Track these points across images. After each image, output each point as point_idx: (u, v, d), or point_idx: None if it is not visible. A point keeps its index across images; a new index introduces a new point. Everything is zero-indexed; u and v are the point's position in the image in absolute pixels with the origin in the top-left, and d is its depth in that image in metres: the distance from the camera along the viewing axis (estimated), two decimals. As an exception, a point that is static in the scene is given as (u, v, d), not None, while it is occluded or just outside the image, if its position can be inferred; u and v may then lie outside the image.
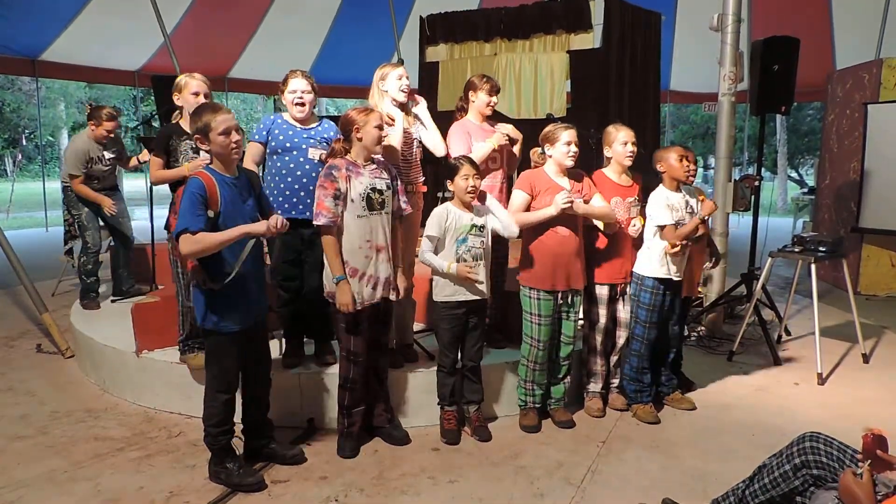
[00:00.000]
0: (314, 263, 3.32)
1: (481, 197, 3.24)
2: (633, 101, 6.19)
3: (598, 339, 3.58)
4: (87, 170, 4.88)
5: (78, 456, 3.10)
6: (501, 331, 3.82)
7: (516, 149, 3.64)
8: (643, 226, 3.54)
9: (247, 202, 2.75)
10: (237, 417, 2.90)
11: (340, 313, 2.97)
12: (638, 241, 3.58)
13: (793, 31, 5.16)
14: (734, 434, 3.38)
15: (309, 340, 3.58)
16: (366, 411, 3.22)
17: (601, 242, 3.51)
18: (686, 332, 4.10)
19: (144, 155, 4.81)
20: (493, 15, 6.66)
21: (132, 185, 16.62)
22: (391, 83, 3.36)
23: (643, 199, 3.57)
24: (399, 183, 3.14)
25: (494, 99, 3.59)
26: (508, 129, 3.54)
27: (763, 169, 5.66)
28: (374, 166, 3.04)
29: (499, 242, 3.65)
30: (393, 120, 3.27)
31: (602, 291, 3.53)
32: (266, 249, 2.98)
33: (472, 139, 3.49)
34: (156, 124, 5.55)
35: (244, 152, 3.03)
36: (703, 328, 5.12)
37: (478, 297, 3.21)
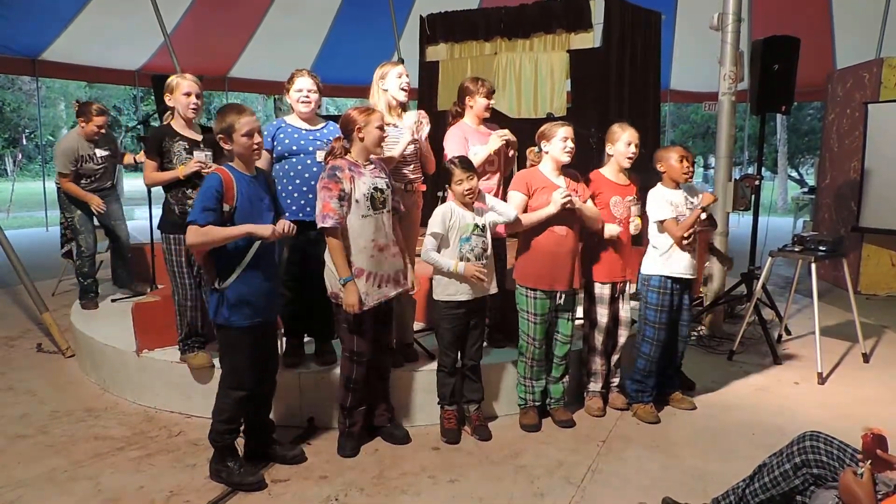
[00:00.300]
0: (318, 264, 3.32)
1: (479, 196, 3.24)
2: (634, 101, 6.19)
3: (599, 338, 3.58)
4: (77, 168, 4.80)
5: (78, 455, 3.10)
6: (502, 330, 3.83)
7: (511, 153, 3.64)
8: (643, 224, 3.54)
9: (263, 200, 2.79)
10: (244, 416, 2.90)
11: (344, 313, 2.97)
12: (638, 241, 3.58)
13: (793, 31, 5.15)
14: (734, 433, 3.39)
15: (308, 340, 3.58)
16: (367, 411, 3.23)
17: (601, 242, 3.50)
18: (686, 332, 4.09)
19: (142, 155, 4.78)
20: (494, 14, 6.67)
21: (132, 184, 16.64)
22: (391, 82, 3.36)
23: (641, 199, 3.57)
24: (392, 181, 3.16)
25: (492, 101, 3.60)
26: (504, 132, 3.52)
27: (763, 168, 5.66)
28: (373, 166, 3.04)
29: (498, 242, 3.65)
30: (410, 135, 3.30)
31: (603, 291, 3.53)
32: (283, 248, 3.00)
33: (470, 143, 3.49)
34: (155, 123, 5.53)
35: None
36: (703, 328, 5.12)
37: (478, 297, 3.21)
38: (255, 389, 2.84)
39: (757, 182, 5.14)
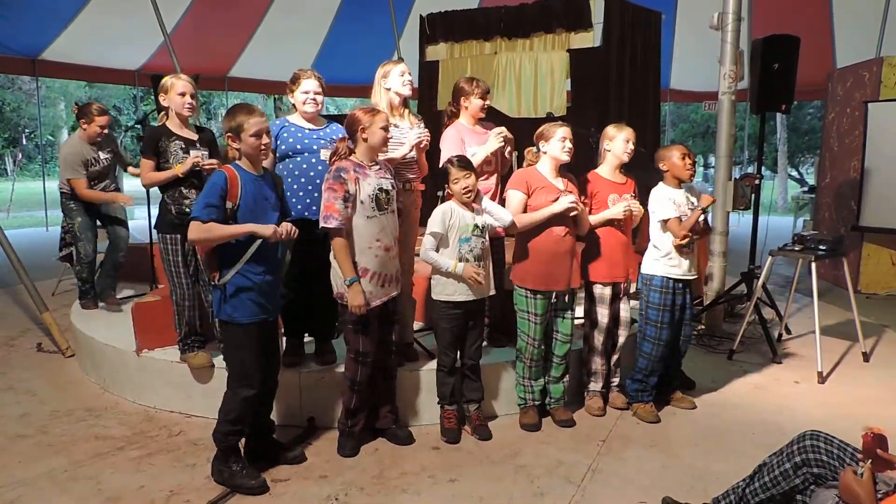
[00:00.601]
0: (320, 263, 3.32)
1: (477, 197, 3.25)
2: (634, 100, 6.19)
3: (599, 338, 3.58)
4: (86, 172, 4.73)
5: (78, 455, 3.10)
6: (502, 330, 3.82)
7: (507, 150, 3.64)
8: (643, 223, 3.54)
9: (268, 199, 2.80)
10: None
11: (349, 314, 2.97)
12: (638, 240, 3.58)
13: (793, 30, 5.15)
14: (734, 433, 3.38)
15: (308, 340, 3.58)
16: (371, 411, 3.23)
17: (602, 242, 3.50)
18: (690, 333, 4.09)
19: (135, 170, 4.64)
20: (494, 14, 6.66)
21: (130, 184, 16.62)
22: (394, 80, 3.35)
23: (641, 198, 3.57)
24: (406, 183, 3.18)
25: (487, 101, 3.60)
26: (502, 130, 3.52)
27: (763, 167, 5.66)
28: (378, 166, 3.05)
29: (496, 242, 3.65)
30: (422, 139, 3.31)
31: (603, 291, 3.53)
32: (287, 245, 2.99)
33: (466, 143, 3.49)
34: (154, 123, 5.52)
35: None
36: (703, 327, 5.12)
37: (477, 298, 3.22)
38: (262, 387, 2.84)
39: (757, 181, 5.14)
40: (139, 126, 4.77)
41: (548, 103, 6.17)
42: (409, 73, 3.41)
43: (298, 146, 3.31)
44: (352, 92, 13.09)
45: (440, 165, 3.46)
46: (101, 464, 3.02)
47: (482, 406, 3.39)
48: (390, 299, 3.10)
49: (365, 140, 2.96)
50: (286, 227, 2.72)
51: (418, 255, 3.28)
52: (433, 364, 3.40)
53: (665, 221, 3.45)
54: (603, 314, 3.54)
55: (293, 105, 3.43)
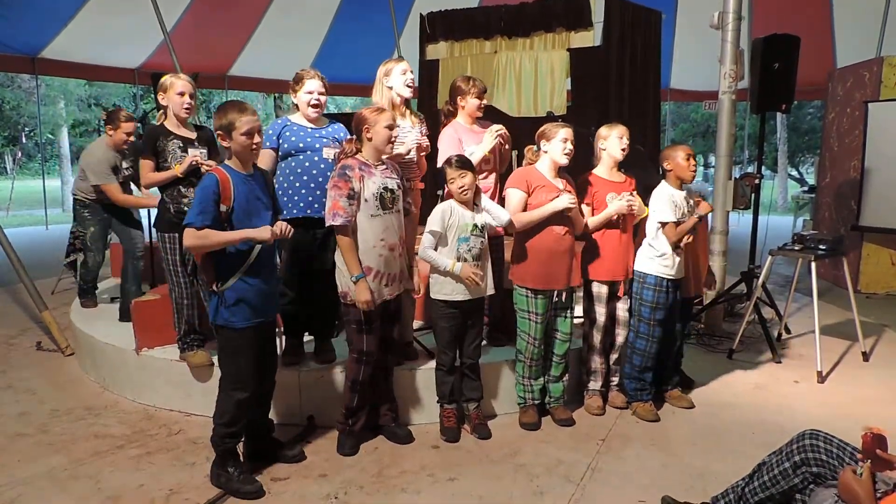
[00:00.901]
0: (324, 262, 3.33)
1: (476, 193, 3.25)
2: (634, 100, 6.19)
3: (598, 337, 3.58)
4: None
5: (78, 454, 3.10)
6: (501, 329, 3.82)
7: (505, 147, 3.64)
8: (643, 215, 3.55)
9: (261, 199, 2.77)
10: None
11: (353, 313, 2.96)
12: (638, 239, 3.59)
13: (793, 29, 5.15)
14: (734, 432, 3.39)
15: (308, 339, 3.58)
16: (370, 410, 3.23)
17: (602, 241, 3.50)
18: (686, 330, 4.09)
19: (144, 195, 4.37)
20: (494, 13, 6.66)
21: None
22: (395, 79, 3.35)
23: (640, 196, 3.57)
24: (405, 182, 3.17)
25: (484, 101, 3.60)
26: (499, 128, 3.52)
27: (763, 167, 5.66)
28: (385, 166, 3.05)
29: (496, 241, 3.65)
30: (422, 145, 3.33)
31: (602, 289, 3.53)
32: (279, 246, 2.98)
33: (464, 143, 3.49)
34: (154, 121, 5.51)
35: None
36: (702, 326, 5.12)
37: (475, 297, 3.22)
38: (256, 390, 2.84)
39: (757, 181, 5.14)
40: (139, 124, 4.74)
41: (548, 102, 6.16)
42: (412, 72, 3.41)
43: (301, 144, 3.31)
44: (352, 91, 13.11)
45: (438, 166, 3.46)
46: (100, 462, 3.02)
47: (481, 405, 3.39)
48: (393, 298, 3.10)
49: (370, 139, 2.96)
50: (281, 226, 2.69)
51: (419, 252, 3.28)
52: (433, 363, 3.40)
53: (663, 224, 3.45)
54: (601, 313, 3.55)
55: (293, 104, 3.43)
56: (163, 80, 3.44)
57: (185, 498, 2.72)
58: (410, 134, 3.41)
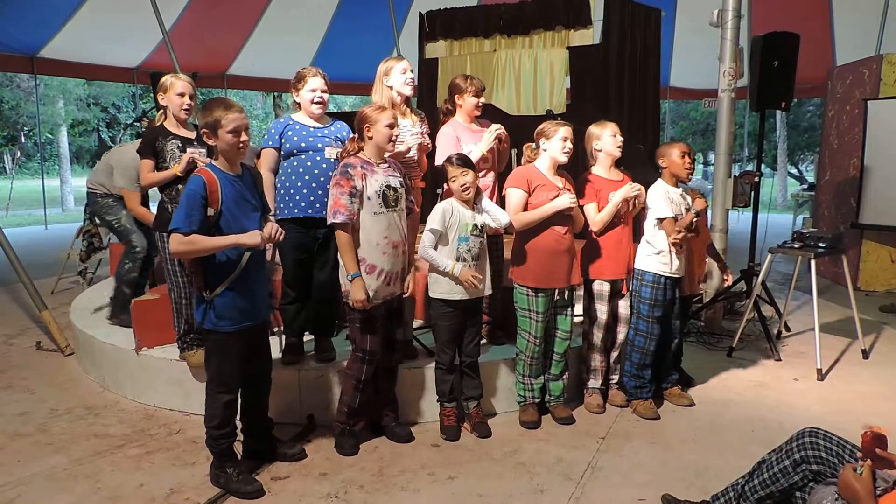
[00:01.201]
0: (325, 261, 3.32)
1: (476, 194, 3.25)
2: (633, 98, 6.19)
3: (598, 335, 3.58)
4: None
5: (78, 453, 3.10)
6: (502, 327, 3.82)
7: (504, 145, 3.64)
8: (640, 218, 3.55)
9: (249, 200, 2.74)
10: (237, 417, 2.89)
11: (356, 312, 2.96)
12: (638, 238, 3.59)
13: (793, 27, 5.15)
14: (734, 430, 3.39)
15: (308, 339, 3.58)
16: (372, 409, 3.23)
17: (603, 239, 3.50)
18: (686, 329, 4.09)
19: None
20: (493, 11, 6.65)
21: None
22: (395, 78, 3.35)
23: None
24: (408, 181, 3.17)
25: (482, 99, 3.59)
26: (498, 127, 3.51)
27: (763, 165, 5.65)
28: (387, 164, 3.04)
29: (496, 241, 3.65)
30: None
31: (602, 288, 3.53)
32: (270, 246, 2.96)
33: (462, 142, 3.48)
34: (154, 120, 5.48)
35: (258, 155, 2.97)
36: (702, 324, 5.12)
37: (474, 296, 3.22)
38: (245, 390, 2.82)
39: (756, 179, 5.13)
40: (138, 124, 4.71)
41: (547, 101, 6.16)
42: (412, 71, 3.40)
43: (303, 144, 3.30)
44: (351, 89, 13.09)
45: (436, 164, 3.46)
46: (100, 462, 3.02)
47: (481, 403, 3.39)
48: (395, 297, 3.09)
49: (370, 137, 2.96)
50: (271, 229, 2.66)
51: (419, 251, 3.28)
52: (432, 361, 3.40)
53: (661, 220, 3.45)
54: (602, 311, 3.54)
55: (294, 103, 3.42)
56: (163, 80, 3.43)
57: (185, 497, 2.72)
58: (410, 132, 3.40)
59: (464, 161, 3.17)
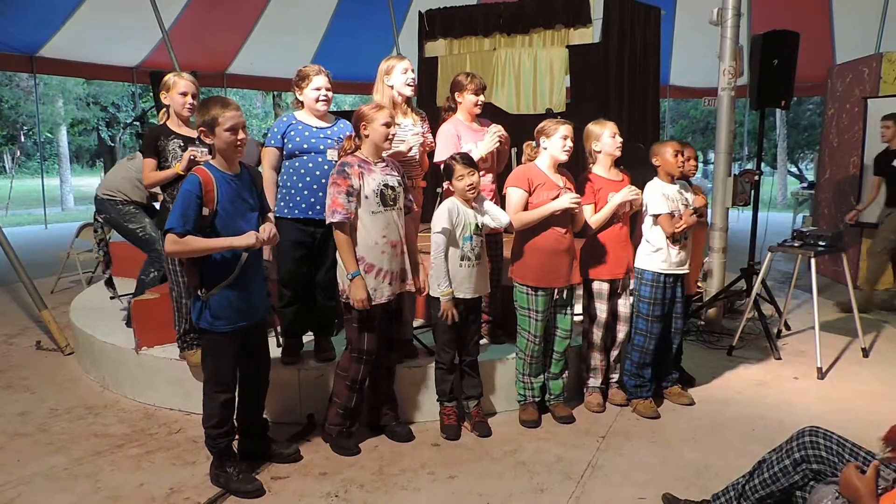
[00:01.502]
0: (324, 261, 3.32)
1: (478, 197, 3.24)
2: (633, 96, 6.19)
3: (598, 334, 3.58)
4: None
5: (78, 453, 3.10)
6: (502, 326, 3.82)
7: (504, 146, 3.63)
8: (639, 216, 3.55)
9: (247, 200, 2.73)
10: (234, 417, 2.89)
11: (353, 312, 2.96)
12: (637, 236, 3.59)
13: (792, 25, 5.14)
14: (734, 428, 3.39)
15: (307, 339, 3.57)
16: (372, 410, 3.23)
17: (606, 237, 3.50)
18: (686, 328, 4.09)
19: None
20: (493, 10, 6.65)
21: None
22: (396, 78, 3.34)
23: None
24: (406, 180, 3.16)
25: (482, 98, 3.58)
26: (498, 129, 3.51)
27: (763, 164, 5.65)
28: (385, 163, 3.04)
29: (496, 240, 3.65)
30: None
31: (602, 287, 3.53)
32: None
33: (462, 141, 3.48)
34: (153, 120, 5.48)
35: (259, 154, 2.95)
36: (702, 323, 5.12)
37: (474, 296, 3.22)
38: (243, 390, 2.82)
39: (756, 177, 5.13)
40: (137, 123, 4.71)
41: (547, 99, 6.16)
42: (413, 71, 3.40)
43: (305, 145, 3.29)
44: (351, 88, 13.09)
45: (435, 160, 3.46)
46: (100, 461, 3.02)
47: (481, 402, 3.39)
48: (395, 296, 3.09)
49: (367, 136, 2.96)
50: (269, 231, 2.66)
51: (419, 251, 3.27)
52: (432, 361, 3.40)
53: (656, 217, 3.46)
54: (602, 310, 3.54)
55: (295, 101, 3.41)
56: (166, 78, 3.42)
57: (185, 497, 2.72)
58: (411, 132, 3.40)
59: (469, 160, 3.17)
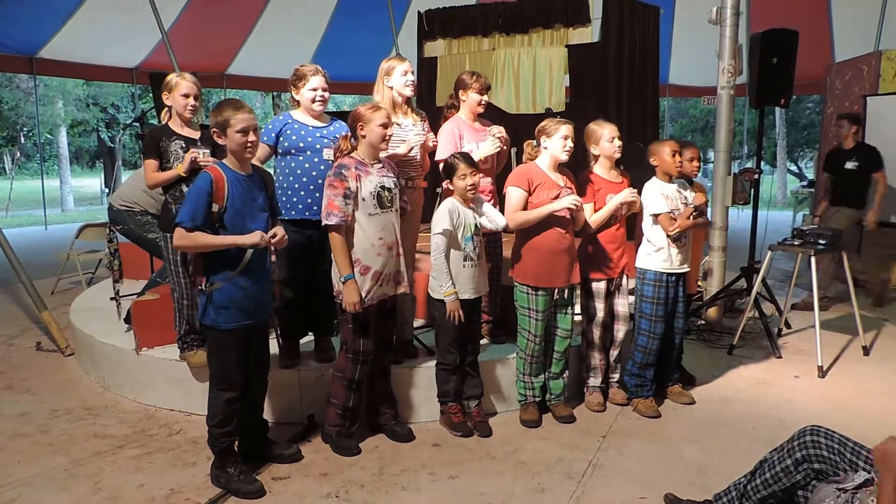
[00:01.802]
0: (322, 262, 3.31)
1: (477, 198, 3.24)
2: (632, 96, 6.19)
3: (597, 333, 3.58)
4: None
5: (78, 454, 3.10)
6: (502, 326, 3.82)
7: (504, 147, 3.63)
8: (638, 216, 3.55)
9: (256, 200, 2.76)
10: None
11: (348, 313, 2.96)
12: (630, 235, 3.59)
13: (791, 24, 5.14)
14: (735, 427, 3.38)
15: (307, 340, 3.57)
16: (370, 410, 3.22)
17: (603, 237, 3.50)
18: (686, 327, 4.09)
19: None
20: (492, 10, 6.65)
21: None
22: (396, 79, 3.33)
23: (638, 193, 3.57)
24: (402, 181, 3.16)
25: (486, 97, 3.57)
26: (500, 132, 3.50)
27: (762, 162, 5.65)
28: (381, 165, 3.03)
29: (495, 240, 3.64)
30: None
31: (599, 286, 3.53)
32: (273, 249, 2.96)
33: (464, 140, 3.47)
34: (153, 121, 5.45)
35: None
36: (702, 322, 5.12)
37: (475, 296, 3.22)
38: (245, 390, 2.82)
39: (756, 176, 5.13)
40: (137, 124, 4.69)
41: (546, 99, 6.15)
42: (413, 73, 3.39)
43: (301, 144, 3.28)
44: (350, 88, 13.10)
45: (436, 159, 3.45)
46: (100, 462, 3.02)
47: (482, 402, 3.39)
48: (389, 297, 3.09)
49: (364, 137, 2.95)
50: (276, 233, 2.68)
51: (419, 251, 3.27)
52: (432, 361, 3.40)
53: (656, 216, 3.46)
54: (599, 309, 3.54)
55: (293, 101, 3.40)
56: (168, 78, 3.41)
57: (186, 498, 2.72)
58: (413, 132, 3.39)
59: (471, 161, 3.17)
